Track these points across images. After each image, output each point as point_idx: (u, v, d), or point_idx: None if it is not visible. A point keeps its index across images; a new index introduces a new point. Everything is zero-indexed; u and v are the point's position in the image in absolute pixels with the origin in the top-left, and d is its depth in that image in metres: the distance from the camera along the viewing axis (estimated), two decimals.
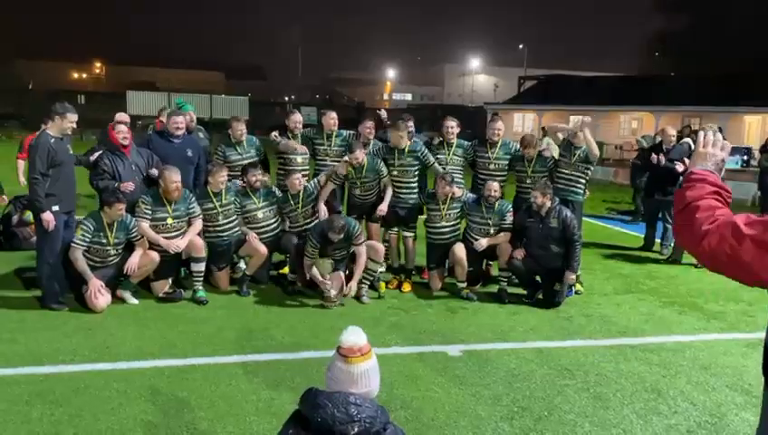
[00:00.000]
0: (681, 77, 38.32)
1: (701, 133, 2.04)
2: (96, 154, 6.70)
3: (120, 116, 7.26)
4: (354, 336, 2.16)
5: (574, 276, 6.59)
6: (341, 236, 6.22)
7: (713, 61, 43.46)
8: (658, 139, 9.72)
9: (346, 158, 6.86)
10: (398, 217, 7.00)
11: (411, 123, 7.26)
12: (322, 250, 6.37)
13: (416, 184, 7.03)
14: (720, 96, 28.49)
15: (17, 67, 60.25)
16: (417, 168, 6.95)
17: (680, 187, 1.97)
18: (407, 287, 6.91)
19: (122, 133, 6.38)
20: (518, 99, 41.97)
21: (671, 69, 46.30)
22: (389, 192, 6.92)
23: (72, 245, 5.80)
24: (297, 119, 7.32)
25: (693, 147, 9.08)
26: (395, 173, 6.92)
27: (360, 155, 6.75)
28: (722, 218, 1.78)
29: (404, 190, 6.95)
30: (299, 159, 7.22)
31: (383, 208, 6.83)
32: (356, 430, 1.95)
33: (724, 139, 2.06)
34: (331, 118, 7.27)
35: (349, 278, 6.46)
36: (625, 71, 53.34)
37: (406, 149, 6.87)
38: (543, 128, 25.78)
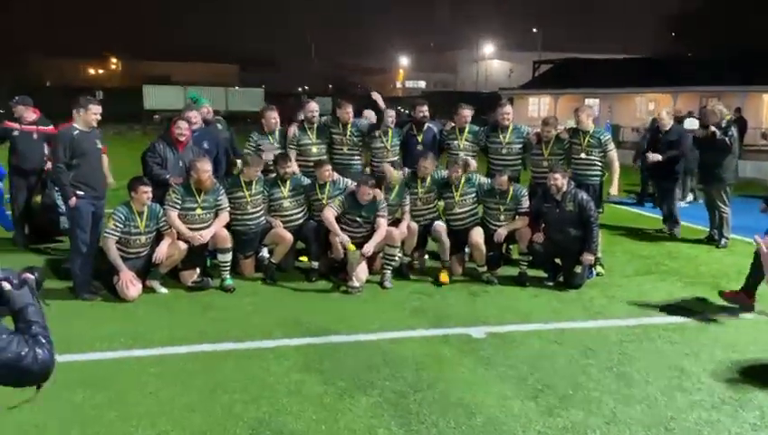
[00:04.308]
0: (698, 57, 37.83)
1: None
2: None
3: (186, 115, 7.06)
4: None
5: (593, 257, 6.63)
6: (371, 195, 6.43)
7: (728, 39, 42.79)
8: (656, 124, 9.66)
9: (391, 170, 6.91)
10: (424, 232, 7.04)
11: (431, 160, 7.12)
12: (346, 216, 6.56)
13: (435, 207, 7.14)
14: (737, 75, 28.12)
15: (34, 65, 60.89)
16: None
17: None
18: (444, 278, 6.77)
19: (180, 130, 6.63)
20: (533, 83, 41.61)
21: (687, 50, 45.66)
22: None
23: (105, 234, 5.97)
24: (313, 108, 7.39)
25: (692, 125, 9.07)
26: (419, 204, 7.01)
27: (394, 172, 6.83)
28: None
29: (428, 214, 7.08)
30: (314, 150, 7.32)
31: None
32: None
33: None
34: (347, 111, 7.36)
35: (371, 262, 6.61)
36: (641, 52, 52.64)
37: (428, 179, 6.96)
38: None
